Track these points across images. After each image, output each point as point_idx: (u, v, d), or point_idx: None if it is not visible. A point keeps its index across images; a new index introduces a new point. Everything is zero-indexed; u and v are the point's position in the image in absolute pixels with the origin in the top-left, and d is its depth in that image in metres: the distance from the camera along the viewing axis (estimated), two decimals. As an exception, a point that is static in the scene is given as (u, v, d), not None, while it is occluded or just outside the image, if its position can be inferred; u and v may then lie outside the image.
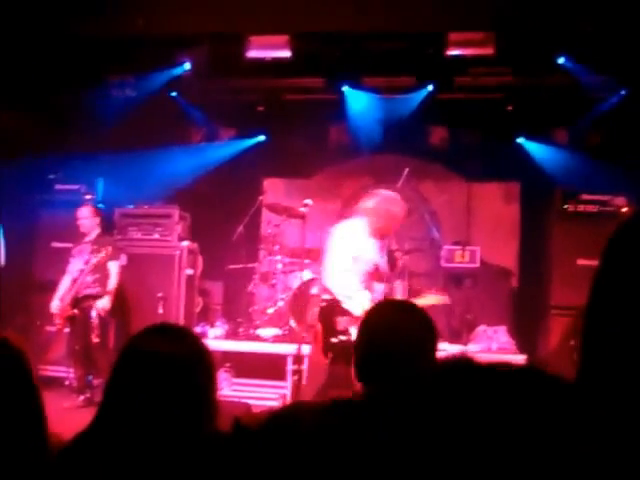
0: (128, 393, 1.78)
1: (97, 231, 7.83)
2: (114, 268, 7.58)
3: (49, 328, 8.21)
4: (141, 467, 1.72)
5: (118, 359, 1.86)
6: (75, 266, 7.63)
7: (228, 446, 1.76)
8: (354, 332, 5.64)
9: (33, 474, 1.71)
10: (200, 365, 1.86)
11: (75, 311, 7.43)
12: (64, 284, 7.64)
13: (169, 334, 1.91)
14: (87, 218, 7.81)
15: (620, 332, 0.97)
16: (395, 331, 2.10)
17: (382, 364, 2.08)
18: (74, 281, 7.50)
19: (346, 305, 5.66)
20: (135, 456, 1.73)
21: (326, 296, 5.87)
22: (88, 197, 8.96)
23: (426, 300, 5.94)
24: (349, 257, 5.82)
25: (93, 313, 7.39)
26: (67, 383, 7.77)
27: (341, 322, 5.68)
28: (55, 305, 7.50)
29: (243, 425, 1.71)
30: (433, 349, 2.18)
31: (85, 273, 7.44)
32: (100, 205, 9.09)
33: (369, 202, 6.02)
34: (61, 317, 7.45)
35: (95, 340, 7.33)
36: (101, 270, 7.51)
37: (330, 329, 5.73)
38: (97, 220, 7.86)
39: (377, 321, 2.20)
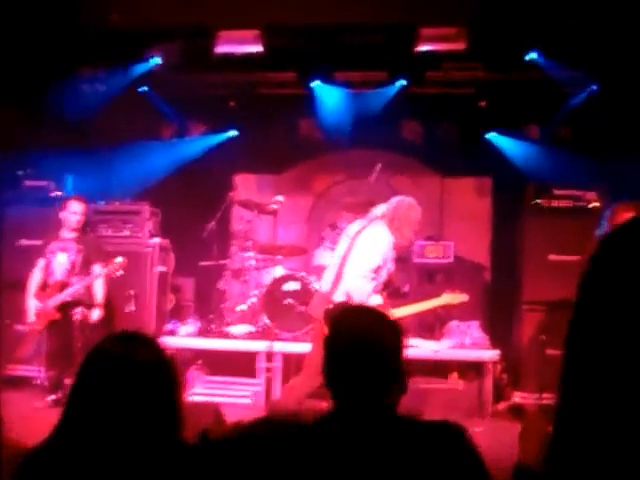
0: (91, 398, 1.74)
1: (81, 229, 7.53)
2: (100, 273, 7.28)
3: (18, 327, 8.09)
4: (102, 473, 1.68)
5: (82, 364, 1.82)
6: (58, 266, 7.33)
7: (191, 456, 1.72)
8: None
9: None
10: (164, 371, 1.83)
11: (59, 315, 7.13)
12: (35, 280, 7.37)
13: (133, 340, 1.87)
14: (83, 214, 7.49)
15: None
16: (361, 336, 2.08)
17: (348, 371, 2.06)
18: (63, 284, 7.21)
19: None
20: (97, 462, 1.69)
21: (340, 298, 5.74)
22: (57, 194, 8.85)
23: (443, 300, 5.94)
24: (374, 265, 5.72)
25: (78, 316, 7.11)
26: (38, 382, 7.66)
27: None
28: (32, 305, 7.23)
29: (209, 437, 1.68)
30: (400, 353, 2.15)
31: (79, 279, 7.20)
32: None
33: (389, 208, 5.92)
34: (44, 319, 7.17)
35: (78, 345, 7.07)
36: (84, 271, 7.28)
37: None
38: (84, 219, 7.56)
39: (344, 327, 2.18)
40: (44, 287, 7.34)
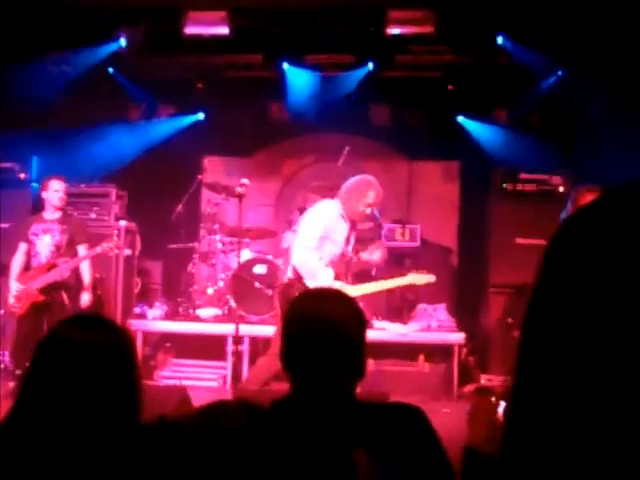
0: (44, 383, 1.72)
1: (64, 209, 7.32)
2: (84, 252, 7.09)
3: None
4: (56, 458, 1.66)
5: (36, 349, 1.79)
6: (43, 248, 7.08)
7: (145, 438, 1.72)
8: None
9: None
10: (119, 353, 1.81)
11: (42, 297, 6.89)
12: (17, 264, 7.12)
13: (89, 323, 1.85)
14: (65, 193, 7.25)
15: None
16: (319, 319, 2.07)
17: (304, 355, 2.05)
18: (49, 265, 6.97)
19: (309, 283, 5.61)
20: (49, 448, 1.68)
21: (290, 275, 5.80)
22: (22, 176, 8.74)
23: (408, 279, 5.91)
24: (317, 235, 5.73)
25: (64, 302, 6.89)
26: (1, 367, 7.58)
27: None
28: (14, 287, 6.97)
29: (166, 420, 1.67)
30: (360, 337, 2.15)
31: (65, 261, 6.97)
32: (34, 184, 8.89)
33: (346, 184, 5.92)
34: (26, 301, 6.90)
35: None
36: (69, 253, 7.09)
37: (289, 301, 5.68)
38: (67, 198, 7.33)
39: (302, 309, 2.17)
40: (27, 270, 7.11)
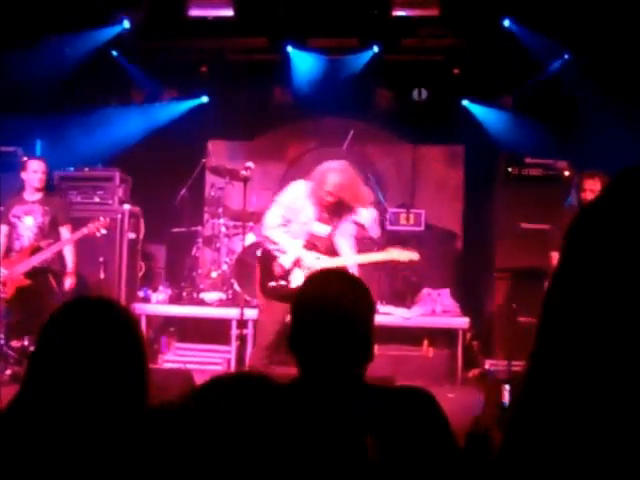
0: (50, 367, 1.71)
1: (44, 190, 7.24)
2: (66, 234, 7.05)
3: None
4: (63, 443, 1.65)
5: (41, 333, 1.78)
6: (25, 230, 7.03)
7: (156, 422, 1.71)
8: (294, 278, 5.62)
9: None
10: (126, 335, 1.79)
11: (28, 281, 6.81)
12: (1, 246, 7.04)
13: (94, 306, 1.83)
14: (45, 173, 7.18)
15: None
16: (329, 302, 2.05)
17: (314, 336, 2.04)
18: (33, 248, 6.90)
19: (281, 260, 5.66)
20: (57, 432, 1.66)
21: (259, 253, 5.94)
22: (25, 159, 8.72)
23: (389, 255, 5.85)
24: (278, 214, 5.77)
25: (51, 284, 6.88)
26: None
27: (278, 267, 5.66)
28: (2, 273, 6.84)
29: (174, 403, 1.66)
30: (369, 320, 2.14)
31: (49, 243, 6.90)
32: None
33: (317, 167, 5.88)
34: (12, 286, 6.79)
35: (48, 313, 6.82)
36: (52, 235, 7.03)
37: (267, 274, 5.72)
38: (46, 178, 7.26)
39: (311, 292, 2.15)
40: (9, 253, 7.04)
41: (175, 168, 9.44)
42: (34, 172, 7.13)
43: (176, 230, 9.27)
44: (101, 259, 8.08)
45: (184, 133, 9.58)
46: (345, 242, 5.86)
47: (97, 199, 8.52)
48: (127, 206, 8.52)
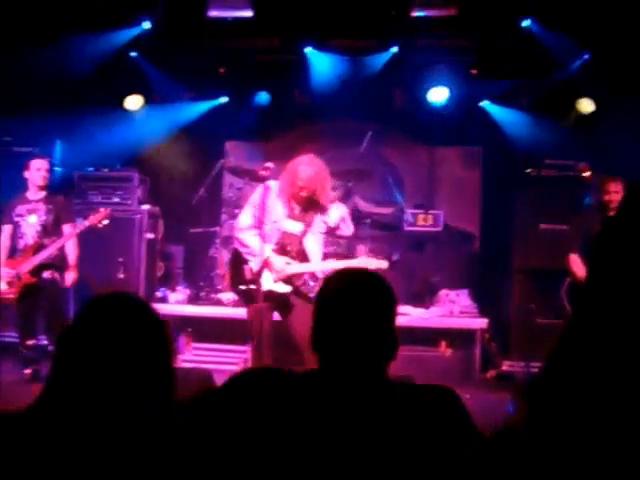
0: (78, 365, 1.71)
1: (47, 189, 7.23)
2: (69, 231, 7.03)
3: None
4: (89, 442, 1.66)
5: (66, 329, 1.78)
6: (29, 228, 7.02)
7: (189, 413, 1.72)
8: (266, 283, 5.59)
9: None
10: (156, 334, 1.79)
11: (34, 279, 6.83)
12: (3, 247, 7.04)
13: (122, 303, 1.84)
14: (48, 171, 7.21)
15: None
16: (350, 300, 2.06)
17: (336, 335, 2.04)
18: (37, 246, 6.91)
19: (252, 263, 5.67)
20: (85, 430, 1.67)
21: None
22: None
23: (358, 262, 5.78)
24: (247, 214, 5.82)
25: (57, 281, 6.89)
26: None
27: (247, 270, 5.67)
28: (3, 273, 6.84)
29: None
30: (391, 319, 2.14)
31: (52, 241, 6.90)
32: (57, 168, 8.93)
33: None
34: (19, 285, 6.82)
35: (53, 309, 6.83)
36: (55, 233, 7.01)
37: (238, 276, 5.74)
38: (49, 177, 7.28)
39: (332, 291, 2.15)
40: (14, 253, 7.05)
41: (193, 168, 9.48)
42: (37, 170, 7.13)
43: (194, 230, 9.30)
44: (120, 259, 8.15)
45: (202, 134, 9.61)
46: (315, 241, 5.83)
47: (116, 199, 8.57)
48: (146, 206, 8.56)
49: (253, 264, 5.65)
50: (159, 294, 8.61)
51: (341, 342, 2.00)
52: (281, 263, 5.65)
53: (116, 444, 1.64)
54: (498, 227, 8.84)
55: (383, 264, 5.60)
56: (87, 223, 6.90)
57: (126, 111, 9.57)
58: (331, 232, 5.99)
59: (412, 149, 9.95)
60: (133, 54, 9.36)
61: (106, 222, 6.93)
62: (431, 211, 8.92)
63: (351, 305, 2.04)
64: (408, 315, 7.79)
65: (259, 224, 5.66)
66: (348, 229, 6.01)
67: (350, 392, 1.91)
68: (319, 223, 5.82)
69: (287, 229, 5.76)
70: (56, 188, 8.25)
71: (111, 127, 9.24)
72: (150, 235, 8.58)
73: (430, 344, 7.74)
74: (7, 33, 8.16)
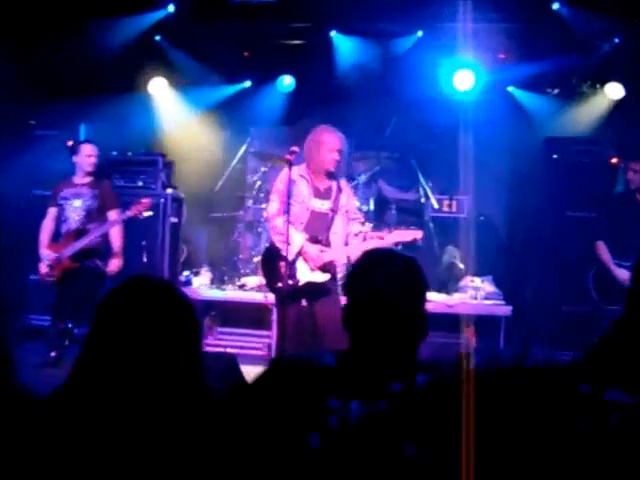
0: (108, 346, 1.69)
1: (94, 174, 7.23)
2: (114, 217, 7.04)
3: (34, 277, 8.11)
4: (121, 423, 1.64)
5: (97, 311, 1.76)
6: (73, 213, 7.02)
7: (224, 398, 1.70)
8: (302, 275, 5.57)
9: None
10: (182, 319, 1.77)
11: (75, 264, 6.83)
12: (47, 230, 7.08)
13: (150, 286, 1.81)
14: (97, 157, 7.20)
15: None
16: (380, 280, 2.04)
17: (367, 315, 2.02)
18: (79, 231, 6.90)
19: (283, 251, 5.61)
20: (115, 411, 1.65)
21: (267, 243, 6.02)
22: (70, 143, 8.79)
23: (395, 236, 5.72)
24: (276, 200, 5.82)
25: (99, 267, 6.89)
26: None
27: (283, 267, 5.60)
28: (45, 255, 6.91)
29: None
30: (422, 298, 2.12)
31: (96, 226, 6.91)
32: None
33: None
34: (59, 269, 6.84)
35: (94, 296, 6.81)
36: (100, 218, 7.03)
37: (272, 274, 5.70)
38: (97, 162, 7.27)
39: (363, 271, 2.14)
40: (57, 236, 7.08)
41: (217, 153, 9.46)
42: (87, 156, 7.14)
43: (217, 215, 9.29)
44: (144, 243, 8.15)
45: (227, 118, 9.59)
46: (340, 221, 5.83)
47: (140, 183, 8.58)
48: (170, 190, 8.55)
49: (288, 252, 5.59)
50: (182, 278, 8.62)
51: (373, 322, 1.99)
52: (315, 251, 5.63)
53: (144, 427, 1.63)
54: (524, 213, 8.75)
55: (418, 234, 5.61)
56: (129, 213, 6.90)
57: (150, 95, 9.57)
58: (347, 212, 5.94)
59: (437, 134, 9.85)
60: (157, 38, 9.33)
61: (149, 213, 6.94)
62: (456, 197, 8.86)
63: (382, 285, 2.01)
64: (432, 301, 7.73)
65: (287, 207, 5.64)
66: (352, 207, 6.03)
67: (382, 373, 1.89)
68: (342, 203, 5.84)
69: (314, 208, 5.78)
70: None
71: (135, 111, 9.24)
72: (174, 219, 8.57)
73: (454, 331, 7.69)
74: (32, 18, 8.15)
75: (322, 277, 5.67)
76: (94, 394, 1.65)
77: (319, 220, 5.77)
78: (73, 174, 7.24)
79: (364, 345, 1.99)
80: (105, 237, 7.03)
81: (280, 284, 5.64)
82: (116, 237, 7.05)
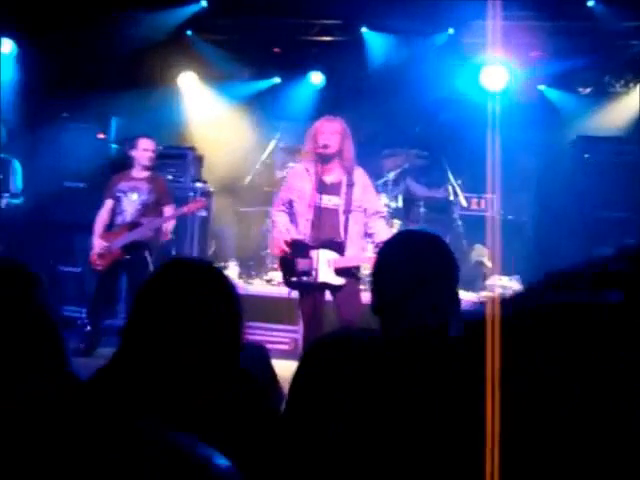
0: (149, 329, 1.71)
1: (152, 168, 7.29)
2: (170, 213, 7.12)
3: (62, 268, 8.21)
4: (161, 403, 1.66)
5: (140, 292, 1.78)
6: (129, 205, 7.06)
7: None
8: (323, 272, 5.46)
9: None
10: (228, 303, 1.78)
11: (125, 255, 6.88)
12: (102, 220, 7.11)
13: (192, 267, 1.84)
14: (154, 151, 7.26)
15: None
16: (412, 262, 2.04)
17: (398, 296, 2.02)
18: (133, 224, 6.95)
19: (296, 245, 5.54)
20: (156, 395, 1.67)
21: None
22: (101, 136, 8.87)
23: None
24: (279, 196, 5.87)
25: (148, 261, 6.89)
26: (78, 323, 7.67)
27: (300, 263, 5.54)
28: (97, 244, 6.95)
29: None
30: (454, 282, 2.12)
31: (149, 220, 6.96)
32: (113, 145, 9.01)
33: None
34: (109, 259, 6.89)
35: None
36: (154, 213, 7.07)
37: (289, 269, 5.62)
38: (155, 156, 7.32)
39: (390, 254, 2.14)
40: (111, 228, 7.11)
41: (247, 147, 9.49)
42: (144, 150, 7.17)
43: (246, 209, 9.32)
44: (172, 237, 8.18)
45: (257, 113, 9.62)
46: (355, 220, 5.51)
47: (170, 177, 8.61)
48: (199, 184, 8.59)
49: (270, 246, 5.61)
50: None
51: (401, 302, 1.99)
52: (328, 258, 5.47)
53: (184, 408, 1.65)
54: (553, 213, 8.70)
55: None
56: (185, 210, 7.01)
57: (181, 89, 9.62)
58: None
59: (466, 132, 9.81)
60: (188, 32, 9.38)
61: (203, 213, 6.97)
62: (485, 195, 8.82)
63: (410, 264, 2.02)
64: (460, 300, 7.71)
65: (287, 202, 5.64)
66: (370, 202, 5.65)
67: (414, 353, 1.89)
68: (356, 197, 5.53)
69: (319, 204, 5.48)
70: (111, 165, 8.36)
71: (165, 105, 9.30)
72: (202, 213, 8.61)
73: (480, 329, 7.66)
74: (65, 12, 8.23)
75: (338, 281, 5.47)
76: (137, 375, 1.67)
77: (327, 217, 5.48)
78: (131, 168, 7.24)
79: (394, 325, 1.99)
80: (157, 232, 7.07)
81: (295, 279, 5.60)
82: (169, 232, 7.15)
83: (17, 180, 8.08)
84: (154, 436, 0.83)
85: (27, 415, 1.29)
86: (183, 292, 1.72)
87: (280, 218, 5.69)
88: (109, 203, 7.16)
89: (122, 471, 0.90)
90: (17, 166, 8.12)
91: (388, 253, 2.16)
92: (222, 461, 0.77)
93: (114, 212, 7.13)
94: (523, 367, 0.82)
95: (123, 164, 8.37)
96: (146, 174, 7.19)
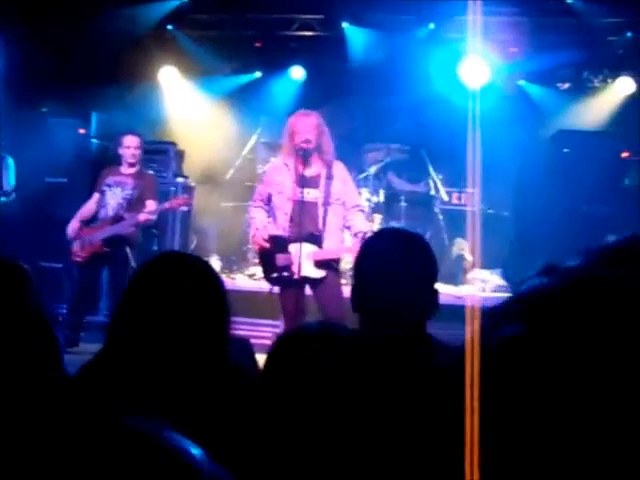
0: (140, 318, 1.72)
1: (139, 165, 7.26)
2: (152, 208, 7.02)
3: (43, 264, 8.17)
4: (147, 395, 1.68)
5: (129, 285, 1.79)
6: (112, 199, 7.01)
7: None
8: (303, 265, 5.47)
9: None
10: (216, 297, 1.80)
11: (105, 249, 6.83)
12: (87, 209, 7.07)
13: (180, 260, 1.85)
14: (138, 148, 7.19)
15: None
16: (391, 258, 2.06)
17: (374, 295, 2.04)
18: (115, 218, 6.90)
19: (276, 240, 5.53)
20: (144, 383, 1.68)
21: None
22: (81, 131, 8.82)
23: None
24: (256, 193, 5.84)
25: (129, 257, 6.83)
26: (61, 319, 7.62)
27: (280, 258, 5.56)
28: (75, 226, 6.91)
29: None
30: (431, 277, 2.14)
31: (132, 215, 6.88)
32: (94, 140, 8.97)
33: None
34: (88, 251, 6.86)
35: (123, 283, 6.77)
36: (138, 209, 6.99)
37: (269, 265, 5.62)
38: (140, 153, 7.27)
39: (371, 251, 2.17)
40: (95, 221, 7.08)
41: (228, 142, 9.48)
42: (127, 148, 7.14)
43: (227, 204, 9.31)
44: (154, 231, 8.17)
45: (238, 108, 9.61)
46: (334, 212, 5.51)
47: (151, 172, 8.58)
48: (180, 179, 8.58)
49: (256, 237, 5.59)
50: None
51: (381, 300, 2.01)
52: (307, 251, 5.47)
53: (170, 400, 1.66)
54: (534, 207, 8.76)
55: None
56: (167, 205, 6.99)
57: (161, 84, 9.60)
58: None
59: (447, 127, 9.85)
60: (169, 27, 9.35)
61: (185, 209, 6.93)
62: (466, 190, 8.87)
63: (391, 262, 2.04)
64: (440, 293, 7.75)
65: (265, 197, 5.64)
66: (349, 196, 5.63)
67: (392, 350, 1.91)
68: (335, 190, 5.52)
69: (298, 197, 5.46)
70: (91, 160, 8.33)
71: (146, 99, 9.27)
72: (184, 208, 8.59)
73: (461, 322, 7.70)
74: (45, 5, 8.18)
75: (318, 274, 5.48)
76: (125, 369, 1.68)
77: (306, 211, 5.46)
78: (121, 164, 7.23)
79: (373, 323, 2.01)
80: (139, 229, 7.05)
81: (275, 274, 5.60)
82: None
83: (10, 176, 8.04)
84: (135, 430, 0.84)
85: (17, 413, 1.31)
86: (172, 286, 1.73)
87: (257, 214, 5.69)
88: (96, 196, 7.15)
89: (107, 468, 0.91)
90: (10, 162, 8.06)
91: (369, 250, 2.17)
92: (195, 450, 0.79)
93: (99, 205, 7.11)
94: (502, 364, 0.83)
95: (105, 160, 8.36)
96: (132, 170, 7.17)
